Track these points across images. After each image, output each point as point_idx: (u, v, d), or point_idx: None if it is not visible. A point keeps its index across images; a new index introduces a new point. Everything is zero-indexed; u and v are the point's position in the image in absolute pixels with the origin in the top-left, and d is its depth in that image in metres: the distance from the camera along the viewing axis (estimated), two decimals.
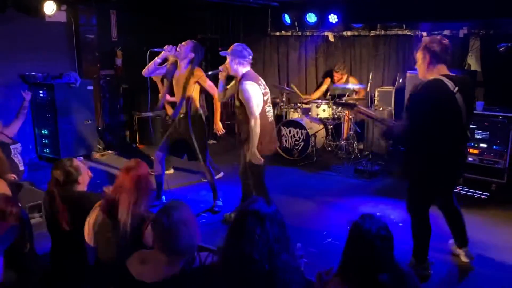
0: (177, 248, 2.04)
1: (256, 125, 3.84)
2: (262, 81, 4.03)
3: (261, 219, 1.89)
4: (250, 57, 3.98)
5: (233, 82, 4.14)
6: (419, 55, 3.29)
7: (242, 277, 1.89)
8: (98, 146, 7.13)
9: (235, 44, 4.05)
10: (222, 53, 4.05)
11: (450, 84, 3.12)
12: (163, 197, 4.91)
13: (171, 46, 4.45)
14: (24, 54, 6.45)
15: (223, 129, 5.12)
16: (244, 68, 3.96)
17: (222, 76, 4.09)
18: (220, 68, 4.09)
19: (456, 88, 3.11)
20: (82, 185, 2.92)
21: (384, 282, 1.87)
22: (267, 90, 4.05)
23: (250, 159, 3.93)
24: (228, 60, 3.97)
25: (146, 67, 4.55)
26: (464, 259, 3.72)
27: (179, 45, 4.49)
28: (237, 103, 4.02)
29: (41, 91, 6.51)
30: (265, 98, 3.96)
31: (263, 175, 4.10)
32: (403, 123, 3.30)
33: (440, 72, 3.20)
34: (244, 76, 3.92)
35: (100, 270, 2.55)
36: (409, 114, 3.24)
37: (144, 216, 2.52)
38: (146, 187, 2.58)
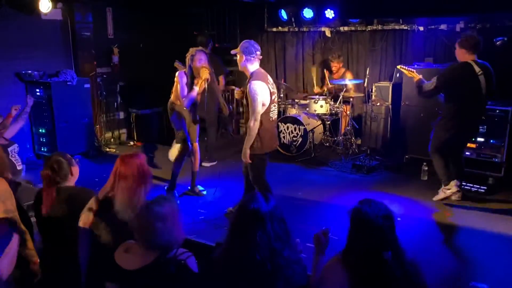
0: (152, 242, 2.08)
1: (255, 126, 3.88)
2: (270, 80, 4.03)
3: (262, 219, 1.90)
4: (258, 52, 3.96)
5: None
6: None
7: (244, 276, 1.90)
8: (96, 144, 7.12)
9: (244, 41, 4.04)
10: (232, 52, 4.07)
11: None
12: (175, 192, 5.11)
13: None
14: (20, 53, 6.42)
15: None
16: (252, 65, 3.96)
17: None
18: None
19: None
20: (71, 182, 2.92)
21: (388, 259, 1.91)
22: (275, 90, 4.07)
23: (242, 156, 4.02)
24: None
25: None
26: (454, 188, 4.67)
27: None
28: (244, 101, 4.07)
29: (37, 90, 6.48)
30: (273, 97, 3.98)
31: (262, 171, 4.14)
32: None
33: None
34: (253, 75, 3.92)
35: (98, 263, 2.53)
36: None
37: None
38: (145, 176, 2.58)
